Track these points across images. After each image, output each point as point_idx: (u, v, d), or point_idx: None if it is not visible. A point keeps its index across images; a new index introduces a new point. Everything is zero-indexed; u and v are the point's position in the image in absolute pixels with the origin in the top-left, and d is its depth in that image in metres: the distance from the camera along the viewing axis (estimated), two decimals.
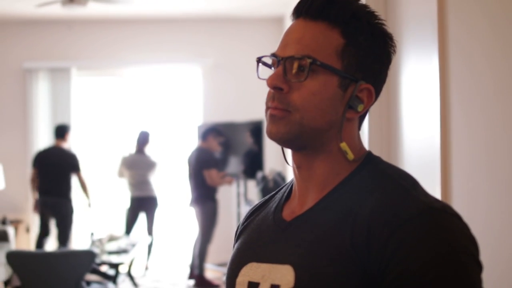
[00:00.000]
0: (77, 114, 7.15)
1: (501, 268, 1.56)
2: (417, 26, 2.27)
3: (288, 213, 1.02)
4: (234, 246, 1.13)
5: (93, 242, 5.01)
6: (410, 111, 2.43)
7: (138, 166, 6.51)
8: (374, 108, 2.93)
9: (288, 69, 0.95)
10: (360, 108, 0.98)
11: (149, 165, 6.53)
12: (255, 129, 6.42)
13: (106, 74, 7.42)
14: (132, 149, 6.66)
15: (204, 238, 6.10)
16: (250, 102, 6.52)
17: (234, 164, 6.66)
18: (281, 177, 5.69)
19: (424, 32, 2.13)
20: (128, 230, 6.47)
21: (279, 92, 0.96)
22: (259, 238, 1.04)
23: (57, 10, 5.99)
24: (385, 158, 1.03)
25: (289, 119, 0.95)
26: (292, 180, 1.08)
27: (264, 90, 1.00)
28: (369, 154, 1.01)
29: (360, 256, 0.87)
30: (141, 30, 7.10)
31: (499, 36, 1.62)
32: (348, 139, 0.98)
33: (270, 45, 7.25)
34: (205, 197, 6.10)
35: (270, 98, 0.97)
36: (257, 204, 1.15)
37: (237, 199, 6.61)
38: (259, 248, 1.02)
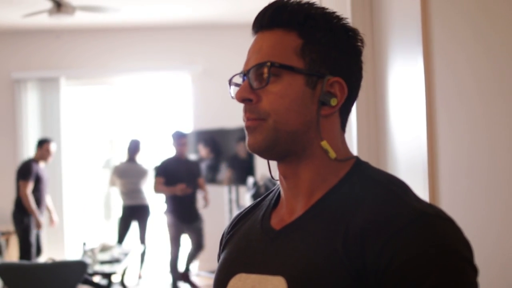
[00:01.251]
0: (67, 124, 7.12)
1: (494, 269, 1.56)
2: (402, 29, 2.28)
3: (277, 221, 1.00)
4: (220, 255, 1.10)
5: (85, 252, 4.99)
6: (397, 114, 2.44)
7: (129, 175, 6.49)
8: (361, 111, 2.93)
9: (252, 80, 0.97)
10: (333, 102, 0.96)
11: (141, 173, 6.51)
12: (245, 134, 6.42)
13: (96, 83, 7.41)
14: (123, 157, 6.64)
15: (170, 249, 6.13)
16: (240, 108, 6.52)
17: (225, 170, 6.66)
18: (272, 183, 5.69)
19: (409, 36, 2.14)
20: (121, 239, 6.44)
21: (249, 103, 0.97)
22: (247, 248, 1.01)
23: (45, 20, 5.97)
24: (373, 161, 1.03)
25: (263, 126, 0.95)
26: (278, 187, 1.07)
27: None
28: (357, 160, 0.99)
29: (354, 265, 0.86)
30: (130, 38, 7.09)
31: (480, 38, 1.63)
32: (329, 138, 0.97)
33: None
34: (165, 207, 6.06)
35: (244, 112, 0.99)
36: (242, 211, 1.13)
37: (229, 206, 6.61)
38: (247, 258, 1.00)
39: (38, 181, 5.96)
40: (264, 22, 0.98)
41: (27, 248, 5.91)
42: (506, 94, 1.51)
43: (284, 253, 0.94)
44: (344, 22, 0.99)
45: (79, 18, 5.99)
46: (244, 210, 1.13)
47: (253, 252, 0.99)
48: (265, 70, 0.95)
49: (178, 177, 5.89)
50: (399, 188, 0.92)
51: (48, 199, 6.17)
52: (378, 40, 2.46)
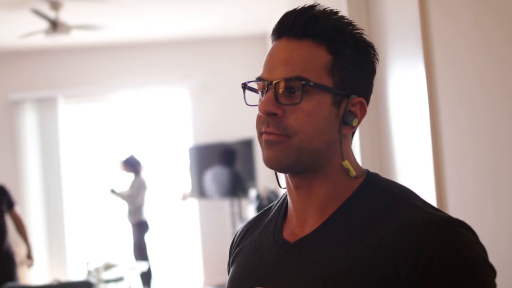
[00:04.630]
0: (66, 143, 7.10)
1: (505, 274, 1.54)
2: (401, 33, 2.26)
3: (288, 234, 0.99)
4: (229, 267, 1.08)
5: (89, 272, 4.94)
6: (399, 120, 2.42)
7: (140, 190, 6.45)
8: (363, 119, 2.90)
9: (279, 93, 0.92)
10: (355, 122, 0.96)
11: (146, 188, 6.49)
12: (246, 146, 6.39)
13: (93, 100, 7.39)
14: (128, 175, 6.57)
15: None
16: (239, 121, 6.52)
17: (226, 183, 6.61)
18: (275, 195, 5.65)
19: (408, 39, 2.12)
20: (142, 256, 6.40)
21: (273, 117, 0.92)
22: (261, 261, 0.99)
23: (41, 40, 5.97)
24: (377, 170, 1.02)
25: (287, 143, 0.92)
26: (285, 197, 1.04)
27: (252, 107, 0.97)
28: (368, 172, 0.99)
29: (384, 278, 0.86)
30: (126, 55, 7.09)
31: (483, 37, 1.61)
32: (347, 156, 0.97)
33: (256, 62, 7.33)
34: None
35: (264, 123, 0.94)
36: (251, 221, 1.11)
37: (231, 219, 6.56)
38: (262, 272, 0.97)
39: None
40: (293, 30, 0.94)
41: None
42: (510, 97, 1.48)
43: (303, 267, 0.92)
44: (364, 35, 0.97)
45: (75, 37, 5.99)
46: (252, 219, 1.11)
47: (267, 265, 0.97)
48: (297, 86, 0.92)
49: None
50: (416, 200, 0.93)
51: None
52: (377, 42, 2.43)
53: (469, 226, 0.90)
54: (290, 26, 0.94)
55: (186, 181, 7.00)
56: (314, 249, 0.93)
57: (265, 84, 0.94)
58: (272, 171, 1.01)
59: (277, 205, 1.07)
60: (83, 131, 7.47)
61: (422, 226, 0.87)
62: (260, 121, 0.94)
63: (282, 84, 0.92)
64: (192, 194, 6.84)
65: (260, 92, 0.96)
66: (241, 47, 7.06)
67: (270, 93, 0.93)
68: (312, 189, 0.96)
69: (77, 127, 7.40)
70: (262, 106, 0.93)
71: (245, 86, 0.98)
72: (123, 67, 7.09)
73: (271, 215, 1.05)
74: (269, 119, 0.93)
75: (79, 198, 7.36)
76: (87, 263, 5.06)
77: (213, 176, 6.51)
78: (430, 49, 1.92)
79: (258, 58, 6.92)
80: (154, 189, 6.67)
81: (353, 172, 0.96)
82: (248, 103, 0.99)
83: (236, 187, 6.37)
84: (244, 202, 6.48)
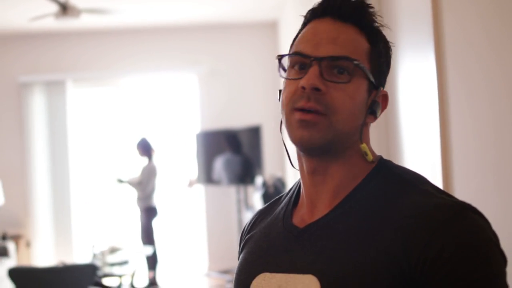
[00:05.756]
0: (74, 126, 7.13)
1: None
2: (412, 25, 2.25)
3: (298, 220, 0.99)
4: (239, 254, 1.09)
5: (94, 255, 4.99)
6: (408, 112, 2.42)
7: (150, 177, 6.48)
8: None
9: (325, 70, 0.92)
10: (379, 113, 0.98)
11: (156, 174, 6.51)
12: (253, 133, 6.39)
13: (102, 84, 7.40)
14: (141, 159, 6.59)
15: None
16: (247, 107, 6.52)
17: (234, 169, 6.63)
18: (281, 182, 5.66)
19: (420, 32, 2.11)
20: (149, 240, 6.44)
21: (317, 92, 0.91)
22: (270, 247, 1.00)
23: (51, 23, 5.97)
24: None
25: (323, 124, 0.91)
26: (297, 185, 1.05)
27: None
28: (381, 158, 1.00)
29: (394, 262, 0.85)
30: (135, 39, 7.09)
31: (491, 33, 1.61)
32: (366, 142, 0.98)
33: (264, 49, 7.30)
34: None
35: (303, 98, 0.92)
36: (262, 209, 1.11)
37: (237, 206, 6.59)
38: (271, 257, 0.98)
39: None
40: (341, 12, 0.94)
41: None
42: None
43: (312, 251, 0.93)
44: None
45: (84, 21, 5.99)
46: (263, 208, 1.12)
47: (276, 251, 0.98)
48: (346, 66, 0.92)
49: None
50: (428, 186, 0.93)
51: None
52: (388, 32, 2.43)
53: (481, 213, 0.90)
54: (337, 8, 0.94)
55: (193, 167, 7.02)
56: (323, 234, 0.93)
57: (310, 59, 0.92)
58: (279, 159, 1.02)
59: (289, 193, 1.07)
60: (91, 115, 7.49)
61: (433, 211, 0.86)
62: (295, 96, 0.93)
63: (330, 61, 0.92)
64: (198, 180, 6.87)
65: (295, 67, 0.95)
66: (250, 33, 7.04)
67: (316, 68, 0.92)
68: (327, 174, 0.96)
69: (85, 111, 7.42)
70: (306, 80, 0.91)
71: (281, 58, 0.97)
72: (132, 51, 7.09)
73: (282, 203, 1.06)
74: (311, 94, 0.91)
75: (85, 181, 7.40)
76: (93, 246, 5.11)
77: (225, 163, 6.52)
78: (441, 41, 1.91)
79: (267, 45, 6.91)
80: (161, 174, 6.68)
81: (370, 156, 0.96)
82: (283, 76, 0.97)
83: (246, 174, 6.39)
84: (250, 189, 6.50)
